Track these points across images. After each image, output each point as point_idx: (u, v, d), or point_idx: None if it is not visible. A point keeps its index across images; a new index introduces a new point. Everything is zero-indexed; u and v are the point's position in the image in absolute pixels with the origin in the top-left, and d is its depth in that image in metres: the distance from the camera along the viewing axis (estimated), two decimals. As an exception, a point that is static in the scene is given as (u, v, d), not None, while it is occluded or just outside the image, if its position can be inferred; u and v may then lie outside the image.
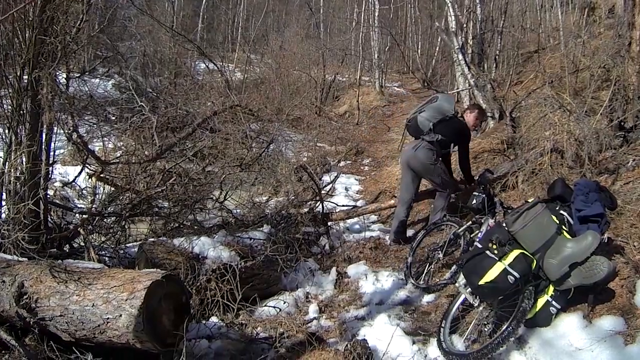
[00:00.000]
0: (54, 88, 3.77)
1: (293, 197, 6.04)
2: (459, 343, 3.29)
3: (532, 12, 14.10)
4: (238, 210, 5.85)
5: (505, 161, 5.88)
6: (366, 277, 4.59)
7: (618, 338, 2.81)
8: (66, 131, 4.13)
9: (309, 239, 5.36)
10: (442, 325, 3.35)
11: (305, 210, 5.68)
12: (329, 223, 5.80)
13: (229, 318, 3.78)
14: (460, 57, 8.11)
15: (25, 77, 3.81)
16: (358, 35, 16.84)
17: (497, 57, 10.16)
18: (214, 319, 3.79)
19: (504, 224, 3.24)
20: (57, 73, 3.98)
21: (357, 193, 8.13)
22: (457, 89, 9.61)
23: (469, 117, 5.37)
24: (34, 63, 3.74)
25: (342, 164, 9.86)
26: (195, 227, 4.98)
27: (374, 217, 6.55)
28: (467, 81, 8.21)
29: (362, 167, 9.99)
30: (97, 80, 11.01)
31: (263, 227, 5.07)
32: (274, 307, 4.11)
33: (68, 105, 4.08)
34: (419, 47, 19.71)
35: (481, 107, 5.89)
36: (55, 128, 4.22)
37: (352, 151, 10.79)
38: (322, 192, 6.07)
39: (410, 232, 5.58)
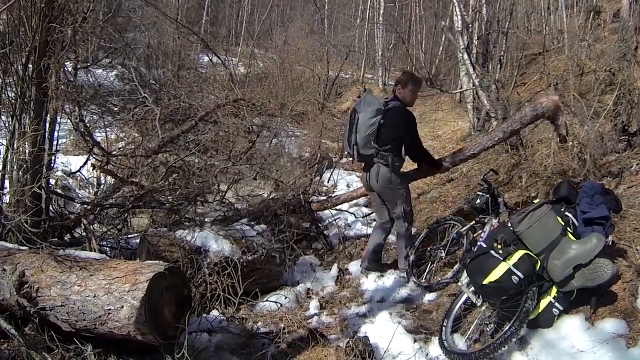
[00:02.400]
0: (61, 77, 3.75)
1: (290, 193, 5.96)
2: (460, 342, 3.28)
3: (538, 14, 14.08)
4: (238, 205, 5.83)
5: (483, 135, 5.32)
6: (367, 274, 4.58)
7: (620, 341, 2.80)
8: (73, 120, 4.12)
9: (309, 235, 5.35)
10: (444, 324, 3.35)
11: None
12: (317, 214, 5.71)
13: (230, 312, 3.77)
14: (466, 56, 8.08)
15: (31, 65, 3.80)
16: (362, 32, 16.81)
17: (501, 58, 10.14)
18: (214, 313, 3.79)
19: (509, 224, 3.23)
20: (65, 62, 3.97)
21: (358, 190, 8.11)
22: (461, 88, 9.60)
23: (405, 94, 4.39)
24: (41, 51, 3.72)
25: (344, 160, 9.83)
26: (197, 220, 4.96)
27: (375, 215, 6.53)
28: (471, 81, 8.18)
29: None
30: (101, 70, 10.96)
31: (261, 224, 5.06)
32: (275, 302, 4.10)
33: (75, 94, 4.06)
34: (423, 45, 19.67)
35: (411, 74, 4.64)
36: (59, 117, 4.21)
37: (354, 148, 10.75)
38: (324, 187, 6.06)
39: (412, 231, 5.56)
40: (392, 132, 4.24)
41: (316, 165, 8.08)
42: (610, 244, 3.27)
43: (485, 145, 4.78)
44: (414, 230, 5.58)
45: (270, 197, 5.82)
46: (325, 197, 6.49)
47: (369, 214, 6.41)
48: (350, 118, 4.42)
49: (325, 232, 5.69)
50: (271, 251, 4.50)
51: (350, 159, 10.17)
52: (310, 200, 5.77)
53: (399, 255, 4.63)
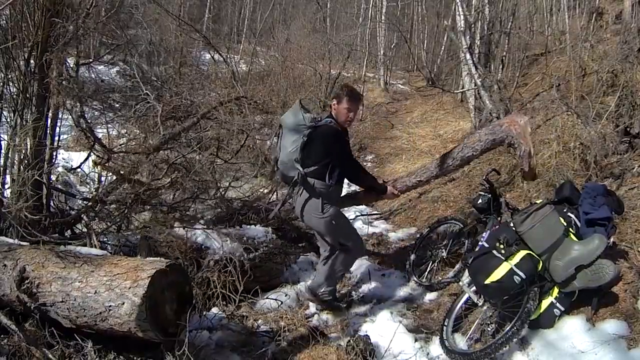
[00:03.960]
0: (63, 72, 3.75)
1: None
2: (461, 342, 3.29)
3: (540, 15, 14.05)
4: (239, 203, 5.82)
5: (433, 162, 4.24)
6: (368, 273, 4.57)
7: (621, 342, 2.80)
8: (74, 116, 4.11)
9: (309, 233, 5.34)
10: (445, 323, 3.35)
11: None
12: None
13: (231, 310, 3.77)
14: (468, 56, 8.06)
15: (33, 60, 3.80)
16: (364, 31, 16.78)
17: (503, 58, 10.11)
18: (215, 310, 3.78)
19: (512, 224, 3.23)
20: (66, 58, 3.96)
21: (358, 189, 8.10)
22: (463, 88, 9.58)
23: (339, 111, 3.77)
24: (43, 47, 3.71)
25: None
26: (198, 218, 4.96)
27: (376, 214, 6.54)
28: (473, 81, 8.16)
29: (365, 163, 9.97)
30: (102, 67, 10.96)
31: (262, 222, 5.05)
32: (276, 299, 4.10)
33: (77, 91, 4.06)
34: (425, 45, 19.65)
35: (350, 88, 3.89)
36: (60, 113, 4.21)
37: (356, 147, 10.77)
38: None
39: (412, 230, 5.56)
40: (318, 153, 3.66)
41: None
42: (611, 245, 3.27)
43: (433, 173, 4.08)
44: (413, 230, 5.57)
45: (271, 194, 5.83)
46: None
47: (371, 214, 6.42)
48: (277, 132, 3.94)
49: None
50: (272, 249, 4.49)
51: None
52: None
53: (316, 277, 4.04)
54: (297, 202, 3.78)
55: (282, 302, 4.07)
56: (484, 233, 3.77)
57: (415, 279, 4.38)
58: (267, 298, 4.11)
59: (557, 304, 3.11)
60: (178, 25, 12.63)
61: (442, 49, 17.69)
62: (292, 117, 3.74)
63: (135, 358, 3.11)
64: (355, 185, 4.18)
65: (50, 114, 3.99)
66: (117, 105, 9.33)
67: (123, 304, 2.88)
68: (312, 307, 4.06)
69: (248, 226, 4.87)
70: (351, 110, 3.77)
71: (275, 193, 5.78)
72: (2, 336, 3.07)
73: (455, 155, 3.97)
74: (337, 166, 3.71)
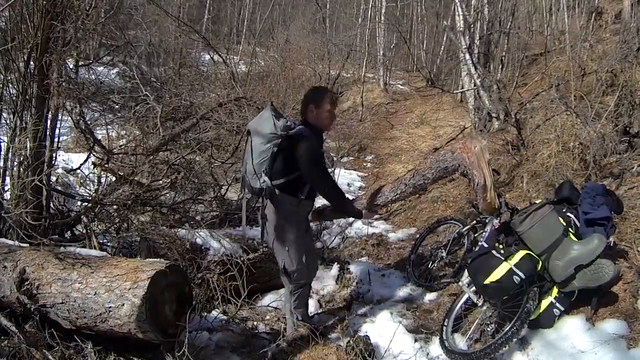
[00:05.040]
0: (63, 74, 3.75)
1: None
2: (461, 342, 3.29)
3: (539, 15, 14.07)
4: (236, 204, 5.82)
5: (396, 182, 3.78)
6: (368, 274, 4.57)
7: (621, 341, 2.80)
8: (74, 118, 4.11)
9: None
10: (445, 323, 3.35)
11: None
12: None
13: (231, 311, 3.77)
14: (467, 56, 8.07)
15: (32, 62, 3.80)
16: (364, 32, 16.79)
17: (503, 58, 10.13)
18: (215, 312, 3.78)
19: (511, 224, 3.23)
20: (66, 59, 3.97)
21: (359, 189, 8.12)
22: (462, 88, 9.59)
23: (318, 115, 3.42)
24: (42, 48, 3.72)
25: (344, 159, 9.84)
26: (198, 219, 4.97)
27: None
28: (472, 81, 8.17)
29: (364, 164, 10.00)
30: (102, 68, 10.96)
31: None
32: (276, 300, 4.10)
33: (77, 92, 4.06)
34: (425, 45, 19.67)
35: (325, 89, 3.62)
36: (60, 114, 4.21)
37: (355, 147, 10.79)
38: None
39: (412, 230, 5.57)
40: (289, 164, 3.28)
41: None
42: (611, 244, 3.27)
43: (388, 198, 3.68)
44: (413, 230, 5.57)
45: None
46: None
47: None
48: (246, 138, 3.56)
49: (325, 230, 5.68)
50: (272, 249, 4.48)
51: (351, 158, 10.22)
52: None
53: (287, 322, 3.63)
54: (261, 213, 3.48)
55: (282, 302, 4.07)
56: (484, 233, 3.78)
57: (414, 279, 4.38)
58: (267, 299, 4.10)
59: (557, 304, 3.11)
60: (177, 26, 12.64)
61: (442, 49, 17.73)
62: (262, 123, 3.32)
63: (135, 359, 3.11)
64: (328, 200, 3.59)
65: (49, 116, 3.99)
66: (117, 107, 9.32)
67: (123, 305, 2.88)
68: (312, 308, 4.06)
69: (248, 227, 4.86)
70: (332, 112, 3.48)
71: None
72: (2, 338, 3.09)
73: (407, 182, 3.62)
74: (307, 177, 3.32)
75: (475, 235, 4.19)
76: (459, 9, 8.52)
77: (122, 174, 4.62)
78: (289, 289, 3.55)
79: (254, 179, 3.32)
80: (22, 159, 3.84)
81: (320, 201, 3.69)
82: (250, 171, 3.34)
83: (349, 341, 3.28)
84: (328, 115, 3.45)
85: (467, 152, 3.24)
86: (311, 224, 3.82)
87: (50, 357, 2.86)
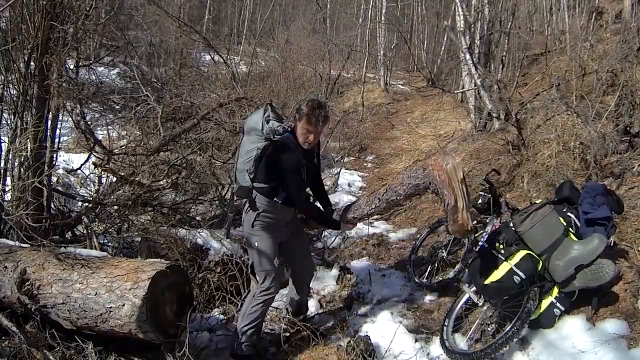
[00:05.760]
0: (63, 74, 3.75)
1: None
2: (461, 342, 3.29)
3: (540, 15, 14.08)
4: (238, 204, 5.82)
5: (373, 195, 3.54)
6: (369, 274, 4.57)
7: (621, 341, 2.81)
8: (74, 118, 4.12)
9: (309, 234, 5.35)
10: (445, 323, 3.35)
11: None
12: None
13: (232, 311, 3.77)
14: (468, 56, 8.07)
15: (33, 62, 3.80)
16: (364, 32, 16.80)
17: (503, 58, 10.13)
18: (216, 312, 3.79)
19: (512, 224, 3.23)
20: (66, 60, 3.97)
21: (360, 189, 8.11)
22: (463, 88, 9.59)
23: (297, 128, 3.24)
24: (43, 49, 3.72)
25: (345, 159, 9.83)
26: (198, 219, 4.97)
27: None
28: (473, 81, 8.17)
29: (365, 164, 9.99)
30: (102, 69, 10.97)
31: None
32: (276, 300, 4.09)
33: (77, 92, 4.06)
34: (425, 45, 19.67)
35: (313, 105, 3.18)
36: (61, 115, 4.21)
37: (356, 147, 10.78)
38: (325, 186, 6.02)
39: (413, 230, 5.56)
40: (270, 171, 3.24)
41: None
42: (611, 244, 3.28)
43: (364, 211, 3.48)
44: (413, 230, 5.56)
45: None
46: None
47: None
48: (241, 138, 3.52)
49: (326, 231, 5.67)
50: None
51: (352, 158, 10.20)
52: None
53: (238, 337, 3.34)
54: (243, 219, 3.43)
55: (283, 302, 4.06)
56: (484, 233, 3.78)
57: (415, 279, 4.38)
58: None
59: (557, 304, 3.12)
60: (178, 27, 12.63)
61: (442, 49, 17.73)
62: (253, 123, 3.30)
63: (135, 359, 3.11)
64: (301, 212, 3.57)
65: (50, 116, 3.99)
66: (117, 107, 9.31)
67: (123, 305, 2.88)
68: (312, 308, 4.06)
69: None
70: (310, 132, 3.19)
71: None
72: (3, 338, 3.09)
73: (381, 197, 3.41)
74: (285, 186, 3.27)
75: (476, 236, 4.19)
76: (460, 9, 8.52)
77: (122, 174, 4.62)
78: (252, 292, 3.37)
79: (241, 177, 3.32)
80: (22, 159, 3.84)
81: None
82: (238, 169, 3.35)
83: (349, 341, 3.28)
84: (303, 133, 3.21)
85: (438, 170, 3.03)
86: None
87: (51, 357, 2.86)
